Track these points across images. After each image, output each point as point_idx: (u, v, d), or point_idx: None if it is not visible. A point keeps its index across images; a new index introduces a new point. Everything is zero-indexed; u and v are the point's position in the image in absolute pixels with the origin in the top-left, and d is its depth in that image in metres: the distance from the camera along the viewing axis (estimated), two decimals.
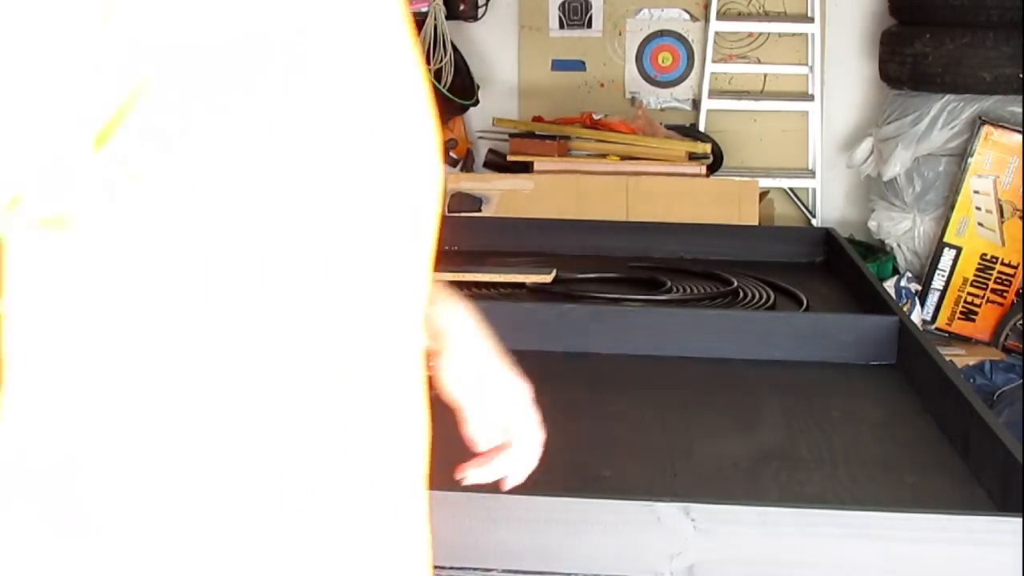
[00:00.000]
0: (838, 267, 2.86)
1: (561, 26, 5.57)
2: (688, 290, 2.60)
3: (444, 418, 1.95)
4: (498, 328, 2.26)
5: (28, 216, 0.86)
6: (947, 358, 2.13)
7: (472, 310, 1.25)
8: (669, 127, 5.01)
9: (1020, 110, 4.65)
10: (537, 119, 5.11)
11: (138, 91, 0.81)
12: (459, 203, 4.51)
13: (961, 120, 4.77)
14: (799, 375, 2.20)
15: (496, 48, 5.57)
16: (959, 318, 4.71)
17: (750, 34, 5.48)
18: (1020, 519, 1.37)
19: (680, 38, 5.55)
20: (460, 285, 2.59)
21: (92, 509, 0.88)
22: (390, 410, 1.03)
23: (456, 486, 1.47)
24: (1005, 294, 4.67)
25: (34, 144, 0.81)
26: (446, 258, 2.93)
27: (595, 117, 4.99)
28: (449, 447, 1.84)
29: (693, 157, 4.70)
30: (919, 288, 4.67)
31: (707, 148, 4.76)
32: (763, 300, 2.52)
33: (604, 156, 4.75)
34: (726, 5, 5.43)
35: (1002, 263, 4.68)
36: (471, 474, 1.26)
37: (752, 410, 2.05)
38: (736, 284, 2.57)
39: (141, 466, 0.88)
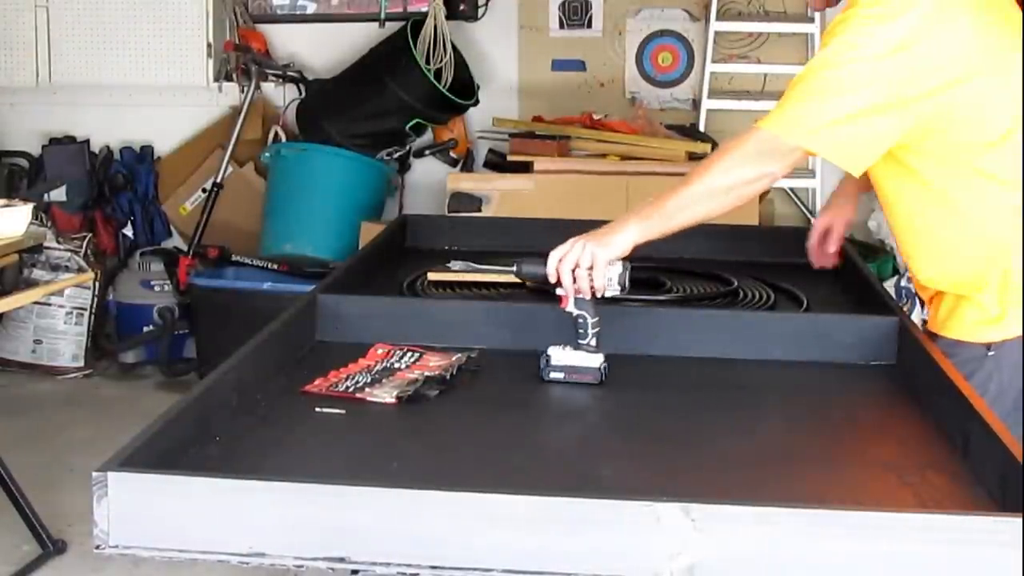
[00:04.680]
0: (838, 267, 2.86)
1: (561, 26, 5.57)
2: (688, 290, 2.60)
3: (447, 427, 1.95)
4: (499, 328, 2.27)
5: None
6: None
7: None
8: (669, 127, 5.01)
9: None
10: (537, 119, 5.11)
11: None
12: (459, 203, 4.51)
13: None
14: (799, 375, 2.20)
15: (496, 48, 5.57)
16: None
17: (750, 34, 5.47)
18: (1020, 519, 1.37)
19: (680, 38, 5.55)
20: (460, 285, 2.59)
21: None
22: None
23: (456, 486, 1.47)
24: None
25: None
26: (446, 258, 2.95)
27: (595, 117, 4.99)
28: (450, 450, 1.85)
29: (693, 157, 4.70)
30: None
31: (707, 148, 4.76)
32: (763, 300, 2.52)
33: (604, 156, 4.75)
34: (726, 5, 5.43)
35: None
36: None
37: (752, 410, 2.05)
38: (736, 284, 2.57)
39: None
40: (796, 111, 2.14)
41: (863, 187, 2.59)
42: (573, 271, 2.08)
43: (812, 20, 5.21)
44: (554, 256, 2.11)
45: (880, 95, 2.07)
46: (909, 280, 4.62)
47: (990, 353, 2.21)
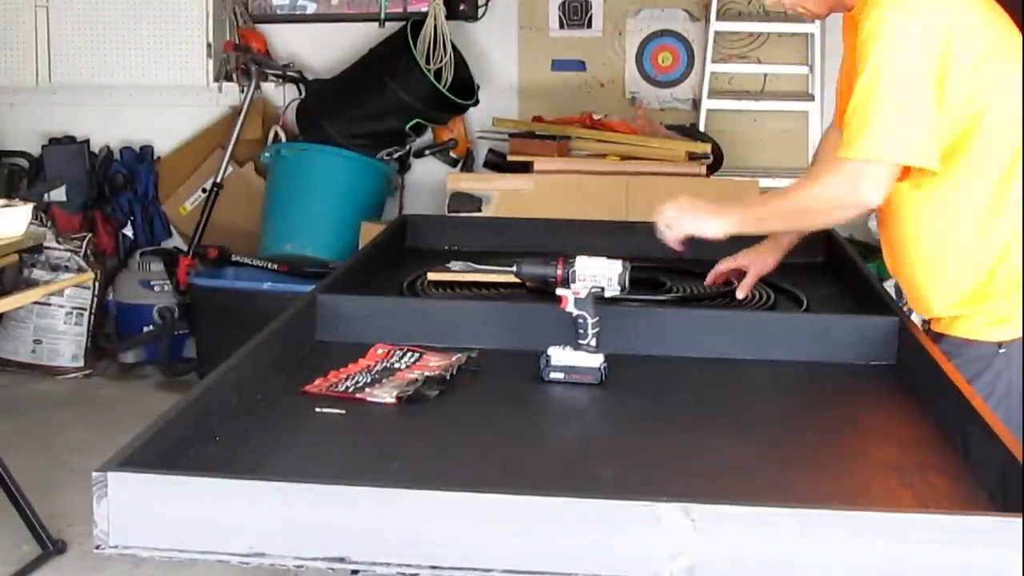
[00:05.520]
0: (838, 267, 2.86)
1: (561, 26, 5.57)
2: (688, 290, 2.60)
3: (449, 426, 1.95)
4: (499, 328, 2.27)
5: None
6: None
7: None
8: (669, 127, 5.01)
9: None
10: (537, 119, 5.11)
11: None
12: (459, 203, 4.51)
13: None
14: (799, 375, 2.20)
15: (496, 48, 5.57)
16: None
17: (750, 34, 5.48)
18: (1020, 519, 1.37)
19: (680, 38, 5.55)
20: (460, 285, 2.59)
21: None
22: None
23: (456, 486, 1.47)
24: None
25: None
26: (446, 258, 2.94)
27: (595, 117, 4.99)
28: (450, 450, 1.84)
29: (693, 157, 4.70)
30: None
31: (707, 148, 4.76)
32: (763, 300, 2.52)
33: (604, 156, 4.75)
34: (726, 5, 5.43)
35: None
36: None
37: (752, 410, 2.05)
38: (736, 284, 2.57)
39: None
40: (880, 132, 2.12)
41: (795, 240, 2.60)
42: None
43: (812, 20, 5.21)
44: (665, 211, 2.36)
45: (931, 86, 2.11)
46: None
47: (1001, 351, 2.22)
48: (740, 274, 2.57)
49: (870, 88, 2.11)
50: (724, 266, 2.58)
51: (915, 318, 2.58)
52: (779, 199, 2.34)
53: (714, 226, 2.31)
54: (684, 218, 2.33)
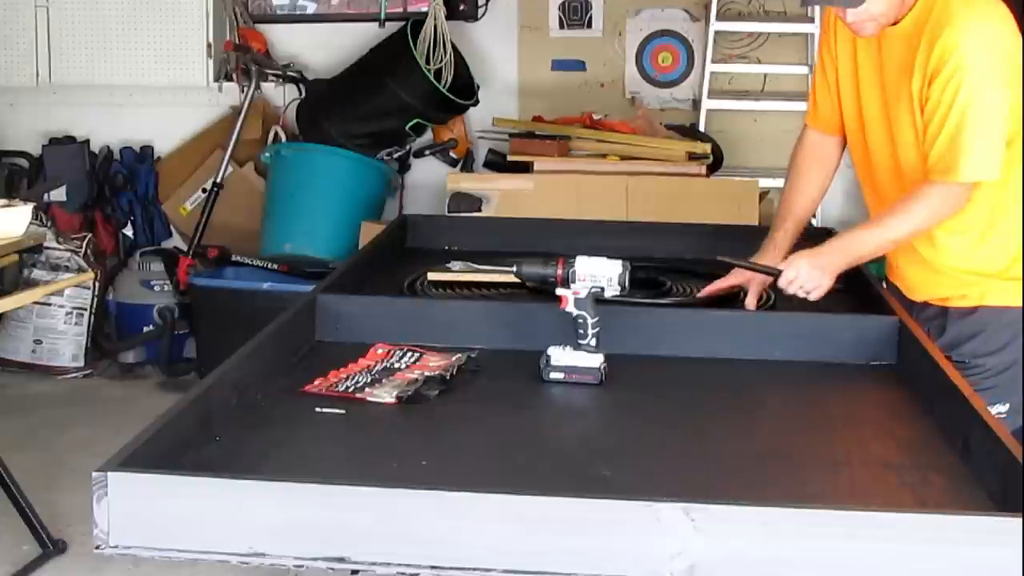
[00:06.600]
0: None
1: (561, 26, 5.57)
2: (688, 290, 2.60)
3: (452, 426, 1.95)
4: (499, 328, 2.27)
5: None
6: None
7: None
8: (669, 127, 5.01)
9: None
10: (537, 119, 5.11)
11: None
12: (459, 203, 4.51)
13: None
14: (799, 375, 2.20)
15: (496, 48, 5.57)
16: None
17: (750, 34, 5.47)
18: (1020, 519, 1.37)
19: (680, 38, 5.55)
20: (460, 285, 2.59)
21: None
22: None
23: (457, 486, 1.47)
24: None
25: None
26: (446, 258, 2.94)
27: (595, 117, 4.98)
28: (450, 448, 1.85)
29: (693, 157, 4.70)
30: None
31: (707, 148, 4.75)
32: (763, 300, 2.51)
33: (604, 156, 4.75)
34: (726, 5, 5.43)
35: None
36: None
37: (752, 410, 2.05)
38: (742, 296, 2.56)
39: None
40: (977, 156, 2.37)
41: (790, 249, 2.59)
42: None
43: (812, 20, 5.21)
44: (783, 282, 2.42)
45: (1007, 103, 2.38)
46: None
47: None
48: (738, 288, 2.54)
49: (964, 116, 2.34)
50: (719, 285, 2.52)
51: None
52: (889, 229, 2.45)
53: (836, 269, 2.44)
54: (822, 279, 2.41)
